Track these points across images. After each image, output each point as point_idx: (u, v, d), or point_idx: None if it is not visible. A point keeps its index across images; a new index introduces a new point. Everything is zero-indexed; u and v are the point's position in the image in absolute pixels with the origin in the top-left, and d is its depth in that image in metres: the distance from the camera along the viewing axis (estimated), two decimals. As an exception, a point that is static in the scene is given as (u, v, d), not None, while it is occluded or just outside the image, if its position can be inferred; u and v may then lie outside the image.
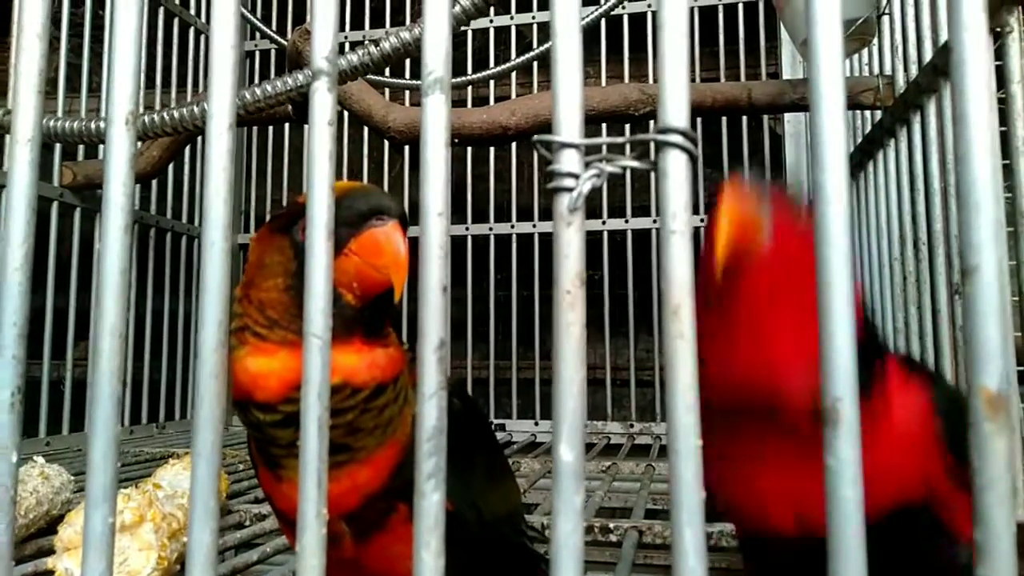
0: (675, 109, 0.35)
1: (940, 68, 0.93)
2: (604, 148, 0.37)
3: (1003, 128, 0.77)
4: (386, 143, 2.03)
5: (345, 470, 0.45)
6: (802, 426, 0.49)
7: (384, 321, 0.49)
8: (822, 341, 0.33)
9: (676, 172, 0.34)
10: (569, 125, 0.35)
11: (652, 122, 1.57)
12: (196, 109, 0.76)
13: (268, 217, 0.57)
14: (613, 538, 0.81)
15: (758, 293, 0.49)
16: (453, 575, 0.35)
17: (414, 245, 0.40)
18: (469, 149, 2.07)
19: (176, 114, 0.75)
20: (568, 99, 0.36)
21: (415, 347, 0.53)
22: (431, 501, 0.35)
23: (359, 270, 0.47)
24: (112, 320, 0.40)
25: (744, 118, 1.91)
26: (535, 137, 0.37)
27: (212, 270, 0.39)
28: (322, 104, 0.39)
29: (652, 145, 0.35)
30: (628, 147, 0.36)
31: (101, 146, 1.34)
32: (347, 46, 2.07)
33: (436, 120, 0.37)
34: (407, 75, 1.92)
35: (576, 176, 0.35)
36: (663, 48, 0.35)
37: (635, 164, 0.36)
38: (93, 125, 0.80)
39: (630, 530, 0.80)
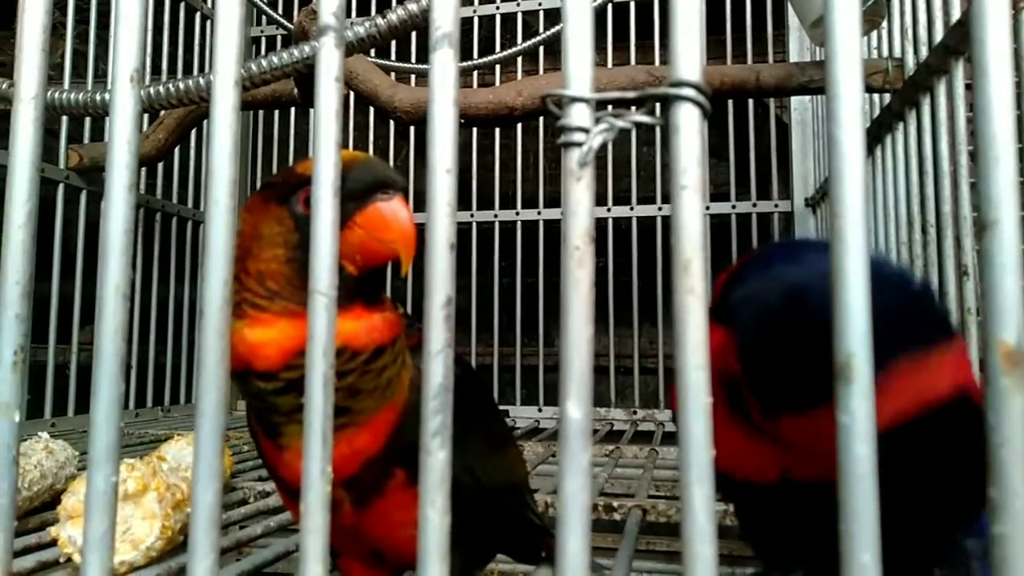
0: (687, 63, 0.34)
1: (951, 48, 0.92)
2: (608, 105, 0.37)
3: (1017, 112, 0.76)
4: (391, 129, 2.03)
5: (344, 434, 0.45)
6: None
7: (381, 288, 0.49)
8: (836, 298, 0.32)
9: (688, 126, 0.34)
10: (579, 79, 0.35)
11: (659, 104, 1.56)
12: (202, 81, 0.75)
13: (259, 185, 0.56)
14: (617, 517, 0.80)
15: None
16: (450, 542, 0.34)
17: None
18: (475, 138, 2.06)
19: (182, 85, 0.75)
20: (578, 53, 0.35)
21: (409, 311, 0.53)
22: (437, 459, 0.35)
23: (364, 243, 0.47)
24: (116, 279, 0.39)
25: (751, 108, 1.90)
26: (545, 91, 0.37)
27: (217, 229, 0.39)
28: (329, 59, 0.38)
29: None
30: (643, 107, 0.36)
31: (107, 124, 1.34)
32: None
33: (444, 76, 0.37)
34: (413, 60, 1.92)
35: (586, 131, 0.35)
36: (675, 1, 0.34)
37: (646, 119, 0.35)
38: (99, 97, 0.79)
39: (634, 509, 0.80)
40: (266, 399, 0.46)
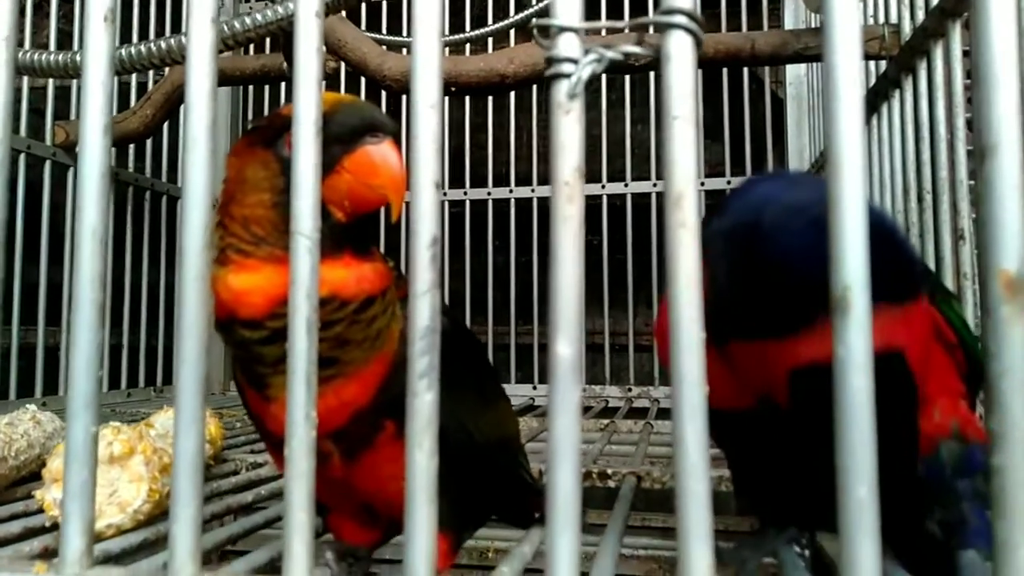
0: (679, -11, 0.33)
1: (948, 10, 0.90)
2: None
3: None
4: (384, 101, 2.00)
5: (332, 385, 0.44)
6: None
7: (371, 238, 0.48)
8: (833, 231, 0.31)
9: (680, 55, 0.33)
10: (568, 8, 0.34)
11: (654, 72, 1.54)
12: (184, 39, 0.74)
13: (248, 127, 0.55)
14: (612, 484, 0.80)
15: None
16: (439, 490, 0.34)
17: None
18: (468, 116, 2.04)
19: (164, 44, 0.73)
20: (567, -20, 0.34)
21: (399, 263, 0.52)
22: (424, 400, 0.34)
23: (352, 188, 0.45)
24: (93, 222, 0.38)
25: (746, 83, 1.89)
26: (533, 22, 0.36)
27: (196, 171, 0.38)
28: (308, -7, 0.37)
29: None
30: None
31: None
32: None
33: (428, 6, 0.35)
34: (404, 32, 1.89)
35: (575, 62, 0.34)
36: (667, -73, 0.33)
37: (636, 49, 0.34)
38: (78, 58, 0.77)
39: (628, 475, 0.79)
40: (251, 349, 0.45)
